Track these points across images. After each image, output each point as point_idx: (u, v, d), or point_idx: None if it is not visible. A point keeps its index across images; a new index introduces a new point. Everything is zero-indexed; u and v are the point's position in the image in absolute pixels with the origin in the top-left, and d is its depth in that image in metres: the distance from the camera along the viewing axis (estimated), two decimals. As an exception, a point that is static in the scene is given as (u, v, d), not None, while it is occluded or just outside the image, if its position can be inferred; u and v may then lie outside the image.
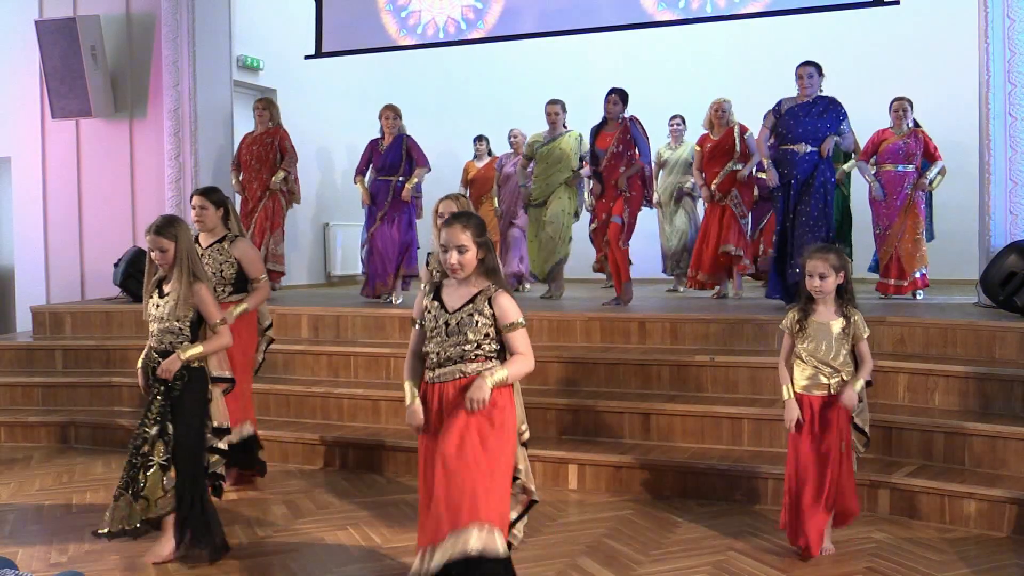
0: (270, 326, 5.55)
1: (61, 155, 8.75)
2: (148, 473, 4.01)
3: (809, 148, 6.58)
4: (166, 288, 4.16)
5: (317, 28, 8.77)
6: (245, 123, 9.39)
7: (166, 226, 4.11)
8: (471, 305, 3.36)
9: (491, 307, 3.35)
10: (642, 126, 7.49)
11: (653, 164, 9.24)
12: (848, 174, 8.50)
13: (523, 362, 3.37)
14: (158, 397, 4.09)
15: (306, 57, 8.94)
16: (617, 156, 7.37)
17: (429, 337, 3.41)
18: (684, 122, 9.35)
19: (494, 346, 3.38)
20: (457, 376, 3.35)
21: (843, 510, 4.14)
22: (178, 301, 4.08)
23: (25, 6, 8.70)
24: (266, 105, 8.40)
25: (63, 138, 8.73)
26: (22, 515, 4.92)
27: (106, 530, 4.04)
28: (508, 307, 3.37)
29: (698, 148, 8.31)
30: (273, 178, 8.21)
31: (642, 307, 7.11)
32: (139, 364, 4.29)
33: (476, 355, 3.35)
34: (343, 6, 8.73)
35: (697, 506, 4.91)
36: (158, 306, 4.13)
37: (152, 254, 4.14)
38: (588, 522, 4.66)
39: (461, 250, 3.34)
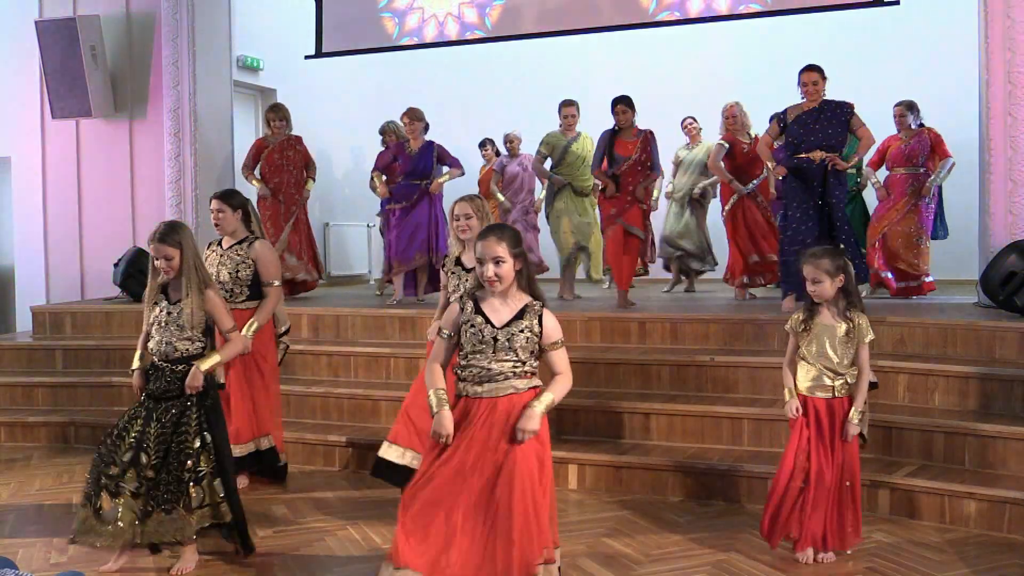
0: (287, 331, 5.54)
1: (61, 155, 8.74)
2: (203, 484, 3.99)
3: (824, 155, 6.52)
4: (174, 295, 4.10)
5: (317, 28, 8.77)
6: (245, 123, 9.39)
7: (170, 233, 4.03)
8: (520, 321, 3.32)
9: (540, 325, 3.34)
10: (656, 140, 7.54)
11: (671, 164, 9.24)
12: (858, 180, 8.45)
13: (565, 382, 3.39)
14: (191, 411, 4.02)
15: (306, 57, 8.94)
16: (638, 163, 7.38)
17: (472, 351, 3.34)
18: (697, 122, 9.26)
19: (535, 362, 3.38)
20: (510, 391, 3.31)
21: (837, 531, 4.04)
22: (194, 310, 4.02)
23: (25, 6, 8.69)
24: (278, 114, 8.37)
25: (63, 138, 8.72)
26: (22, 515, 4.92)
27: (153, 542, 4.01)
28: (554, 326, 3.38)
29: (726, 144, 8.08)
30: (307, 187, 8.35)
31: (642, 307, 7.10)
32: (135, 366, 4.26)
33: (524, 371, 3.34)
34: (343, 6, 8.73)
35: (697, 506, 4.91)
36: (169, 312, 4.07)
37: (157, 263, 4.05)
38: (588, 522, 4.66)
39: (498, 262, 3.29)
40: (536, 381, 3.38)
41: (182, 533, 3.95)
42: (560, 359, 3.39)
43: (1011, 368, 5.16)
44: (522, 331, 3.31)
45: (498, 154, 10.14)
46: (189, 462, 3.97)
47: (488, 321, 3.34)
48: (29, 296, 8.75)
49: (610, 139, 7.51)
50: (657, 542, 4.35)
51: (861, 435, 4.14)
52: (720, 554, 4.16)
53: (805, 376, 4.08)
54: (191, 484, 3.97)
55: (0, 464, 6.02)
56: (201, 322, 4.07)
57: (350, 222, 11.14)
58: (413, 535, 3.25)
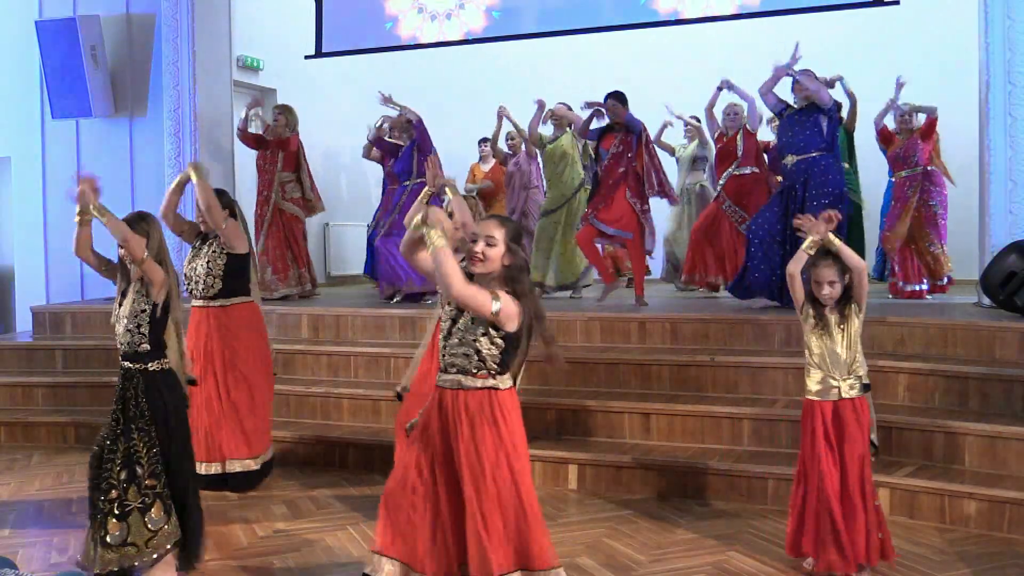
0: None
1: (61, 155, 8.74)
2: (129, 520, 3.71)
3: (795, 159, 6.50)
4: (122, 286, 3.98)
5: (317, 28, 8.78)
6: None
7: (138, 221, 3.95)
8: None
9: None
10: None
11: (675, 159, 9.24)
12: (852, 176, 8.41)
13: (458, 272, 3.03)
14: (134, 436, 3.79)
15: (306, 57, 8.94)
16: (617, 156, 7.33)
17: (443, 331, 3.24)
18: (700, 120, 9.20)
19: (498, 362, 3.14)
20: (456, 387, 3.16)
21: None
22: (135, 293, 3.87)
23: (25, 6, 8.69)
24: (282, 111, 8.38)
25: (63, 138, 8.72)
26: (22, 515, 4.92)
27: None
28: (506, 304, 3.08)
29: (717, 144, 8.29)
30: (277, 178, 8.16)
31: (642, 307, 7.10)
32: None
33: (479, 369, 3.13)
34: (343, 6, 8.73)
35: (697, 506, 4.91)
36: (121, 304, 3.96)
37: (120, 251, 3.94)
38: (588, 522, 4.66)
39: (490, 242, 3.14)
40: (492, 382, 3.14)
41: (97, 565, 3.68)
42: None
43: (1011, 368, 5.16)
44: (474, 320, 3.11)
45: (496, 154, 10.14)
46: (114, 492, 3.73)
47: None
48: (29, 296, 8.75)
49: (600, 136, 7.51)
50: (657, 542, 4.35)
51: (872, 443, 3.98)
52: (720, 554, 4.16)
53: (812, 381, 3.92)
54: (111, 517, 3.71)
55: (0, 464, 6.02)
56: (143, 308, 3.86)
57: (350, 222, 11.14)
58: (389, 525, 3.21)
